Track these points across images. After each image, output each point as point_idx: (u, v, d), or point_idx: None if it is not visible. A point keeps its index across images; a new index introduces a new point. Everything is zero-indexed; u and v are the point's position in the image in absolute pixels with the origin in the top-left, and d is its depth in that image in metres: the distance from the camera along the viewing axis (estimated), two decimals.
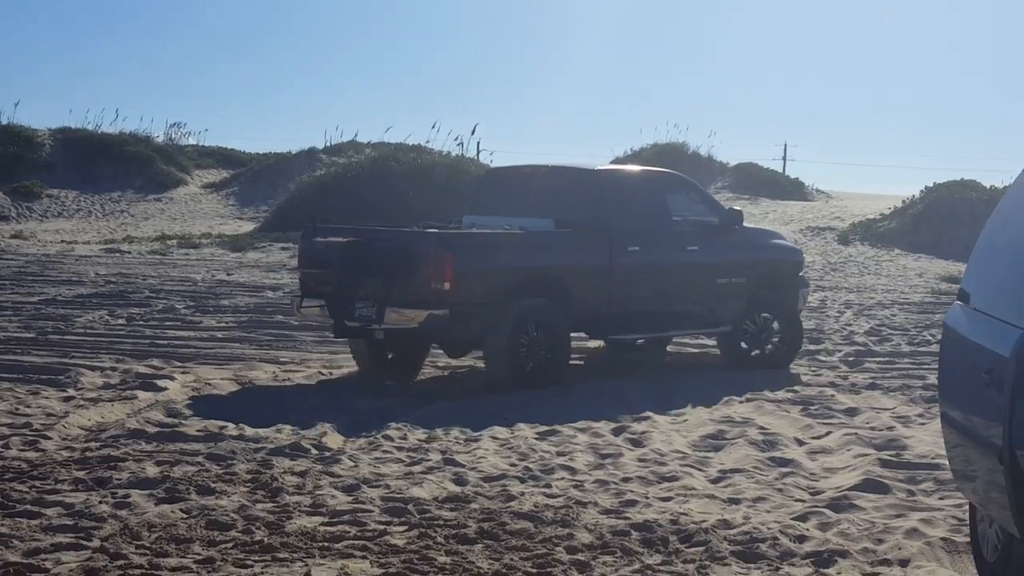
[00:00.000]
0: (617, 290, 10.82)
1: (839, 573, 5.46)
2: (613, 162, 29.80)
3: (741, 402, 9.83)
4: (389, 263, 10.02)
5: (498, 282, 10.22)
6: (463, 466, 7.47)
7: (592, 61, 55.39)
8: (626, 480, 7.22)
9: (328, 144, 31.75)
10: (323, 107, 55.81)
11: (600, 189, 11.29)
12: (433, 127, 39.54)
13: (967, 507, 5.70)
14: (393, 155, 27.14)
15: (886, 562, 5.62)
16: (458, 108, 60.95)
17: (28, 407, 8.81)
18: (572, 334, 10.91)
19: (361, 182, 25.50)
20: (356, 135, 31.37)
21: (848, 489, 6.95)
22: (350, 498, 6.62)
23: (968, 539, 5.63)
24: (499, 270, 10.35)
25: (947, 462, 5.72)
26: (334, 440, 8.09)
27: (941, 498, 6.73)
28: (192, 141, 34.64)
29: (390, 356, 11.00)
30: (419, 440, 8.18)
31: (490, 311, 10.00)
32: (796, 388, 10.52)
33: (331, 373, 11.07)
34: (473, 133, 33.82)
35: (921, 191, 28.47)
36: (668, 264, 11.24)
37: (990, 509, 4.94)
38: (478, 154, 31.27)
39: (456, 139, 30.43)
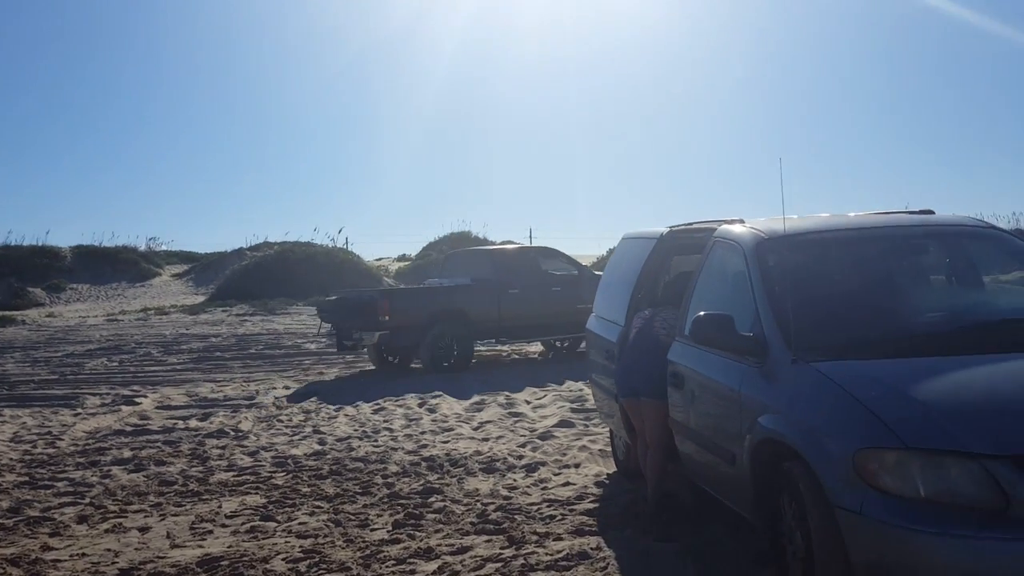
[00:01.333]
0: (504, 315, 11.66)
1: (539, 472, 6.00)
2: (426, 246, 30.58)
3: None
4: (359, 308, 11.66)
5: (421, 314, 11.51)
6: (324, 433, 7.74)
7: (401, 174, 54.72)
8: (422, 433, 7.57)
9: (249, 244, 31.29)
10: (247, 215, 54.71)
11: (493, 259, 12.68)
12: (315, 230, 40.18)
13: (608, 431, 6.34)
14: (291, 250, 27.44)
15: (567, 465, 6.17)
16: (332, 212, 60.27)
17: (50, 421, 8.66)
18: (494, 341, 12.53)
19: (272, 268, 25.82)
20: (267, 237, 31.02)
21: (551, 427, 7.45)
22: (252, 459, 6.81)
23: (610, 448, 6.22)
24: (421, 308, 11.66)
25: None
26: (246, 424, 8.29)
27: (600, 426, 7.08)
28: (164, 247, 34.35)
29: (391, 359, 12.28)
30: (300, 420, 8.42)
31: (417, 331, 11.38)
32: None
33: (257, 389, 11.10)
34: (340, 232, 33.48)
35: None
36: (537, 299, 12.05)
37: (617, 429, 5.66)
38: (347, 245, 31.04)
39: (329, 236, 30.20)
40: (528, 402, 8.82)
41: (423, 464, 6.42)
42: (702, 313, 3.99)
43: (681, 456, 4.62)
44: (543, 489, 5.58)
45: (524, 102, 58.03)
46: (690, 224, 5.25)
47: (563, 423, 7.60)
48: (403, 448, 7.00)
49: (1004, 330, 3.64)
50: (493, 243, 34.41)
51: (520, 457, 6.50)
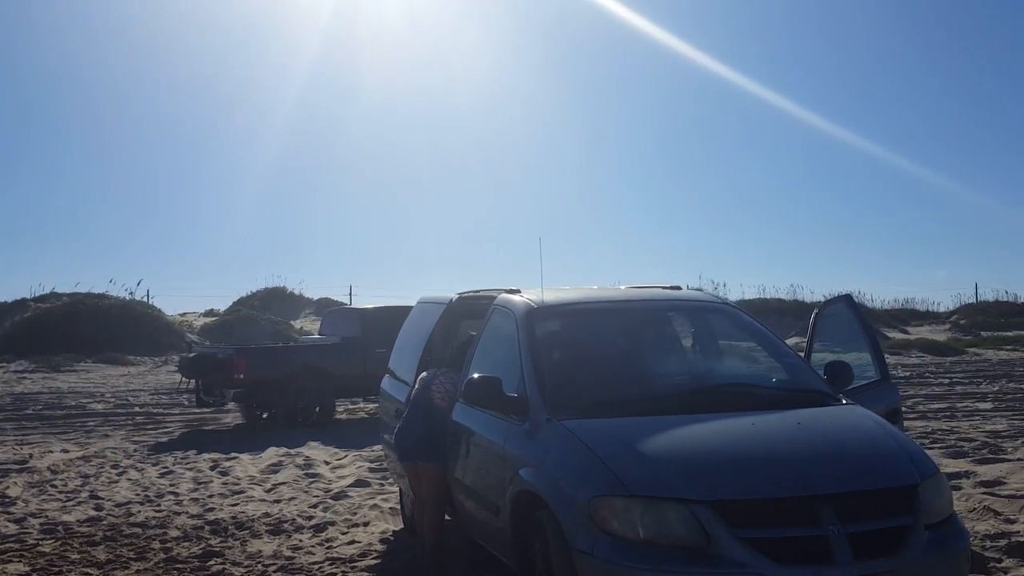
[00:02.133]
0: (369, 372, 11.33)
1: (327, 531, 6.09)
2: (237, 301, 29.66)
3: (303, 442, 10.24)
4: (217, 366, 11.67)
5: (278, 372, 11.59)
6: (102, 498, 7.39)
7: (215, 226, 52.57)
8: (210, 496, 7.40)
9: (34, 295, 28.72)
10: (32, 263, 49.84)
11: (362, 318, 12.68)
12: (111, 281, 37.71)
13: (399, 489, 6.38)
14: (81, 302, 25.56)
15: (356, 524, 6.29)
16: (132, 263, 56.34)
17: None
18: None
19: (58, 322, 24.01)
20: (55, 287, 28.53)
21: (347, 487, 7.55)
22: (17, 527, 6.42)
23: (399, 506, 6.37)
24: (278, 366, 11.79)
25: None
26: (14, 490, 7.74)
27: (393, 485, 6.99)
28: None
29: (260, 413, 12.17)
30: (76, 485, 7.99)
31: (276, 389, 11.45)
32: None
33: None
34: (139, 284, 31.51)
35: None
36: None
37: (404, 487, 5.86)
38: (148, 298, 29.31)
39: (127, 288, 28.35)
40: (327, 463, 8.87)
41: (206, 528, 6.34)
42: (474, 375, 4.37)
43: (459, 512, 4.93)
44: (328, 548, 5.70)
45: (352, 159, 57.74)
46: (477, 291, 5.68)
47: (359, 483, 7.73)
48: (187, 512, 6.86)
49: (724, 393, 4.28)
50: (309, 299, 34.19)
51: (310, 518, 6.56)
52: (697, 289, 5.51)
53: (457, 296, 5.78)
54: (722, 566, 3.31)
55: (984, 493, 6.98)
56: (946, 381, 17.06)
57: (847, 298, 5.70)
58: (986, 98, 59.44)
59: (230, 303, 31.06)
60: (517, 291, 5.11)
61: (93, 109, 55.81)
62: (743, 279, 61.54)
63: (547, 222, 59.62)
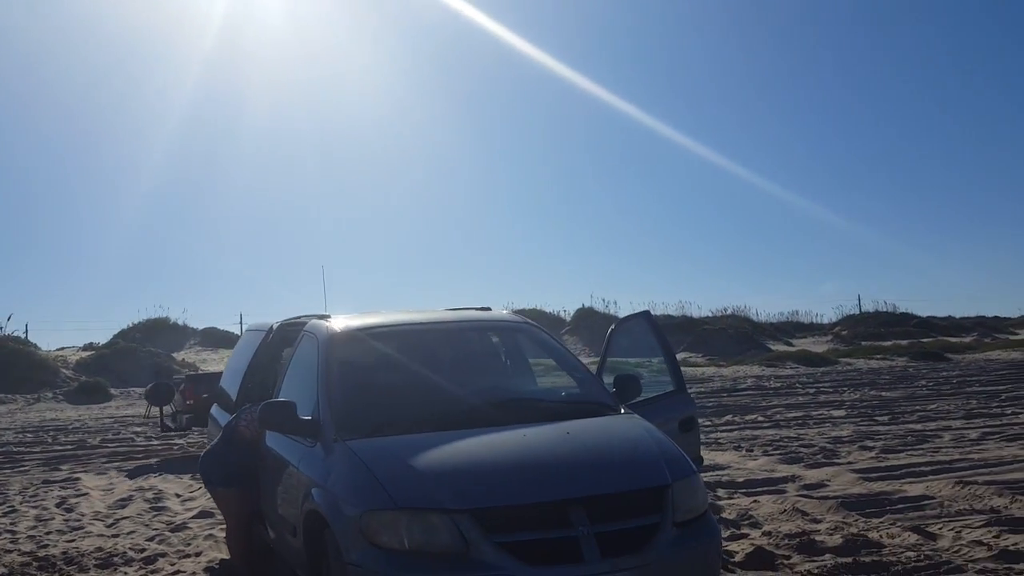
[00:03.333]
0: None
1: (156, 563, 6.15)
2: (117, 334, 28.73)
3: (157, 476, 10.22)
4: (169, 393, 12.66)
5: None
6: None
7: (96, 256, 50.53)
8: (48, 533, 7.27)
9: None
10: None
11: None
12: None
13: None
14: None
15: (187, 555, 6.30)
16: (4, 300, 53.07)
17: None
18: None
19: None
20: None
21: (190, 518, 7.55)
22: None
23: None
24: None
25: None
26: None
27: None
28: None
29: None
30: None
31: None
32: None
33: None
34: (9, 319, 29.43)
35: None
36: None
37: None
38: (25, 334, 27.88)
39: None
40: (179, 495, 8.82)
41: (34, 564, 6.27)
42: (269, 401, 4.57)
43: (273, 536, 5.08)
44: None
45: (236, 182, 56.58)
46: (297, 318, 5.88)
47: (204, 513, 7.74)
48: (19, 549, 6.75)
49: (505, 408, 4.59)
50: (194, 330, 33.43)
51: (142, 550, 6.57)
52: (515, 311, 5.82)
53: (278, 324, 5.95)
54: (478, 570, 3.60)
55: (800, 495, 7.54)
56: (812, 391, 18.03)
57: (645, 314, 6.13)
58: (852, 124, 63.13)
59: (111, 335, 30.09)
60: (327, 316, 5.33)
61: None
62: (633, 297, 63.14)
63: (441, 244, 59.99)
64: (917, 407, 14.23)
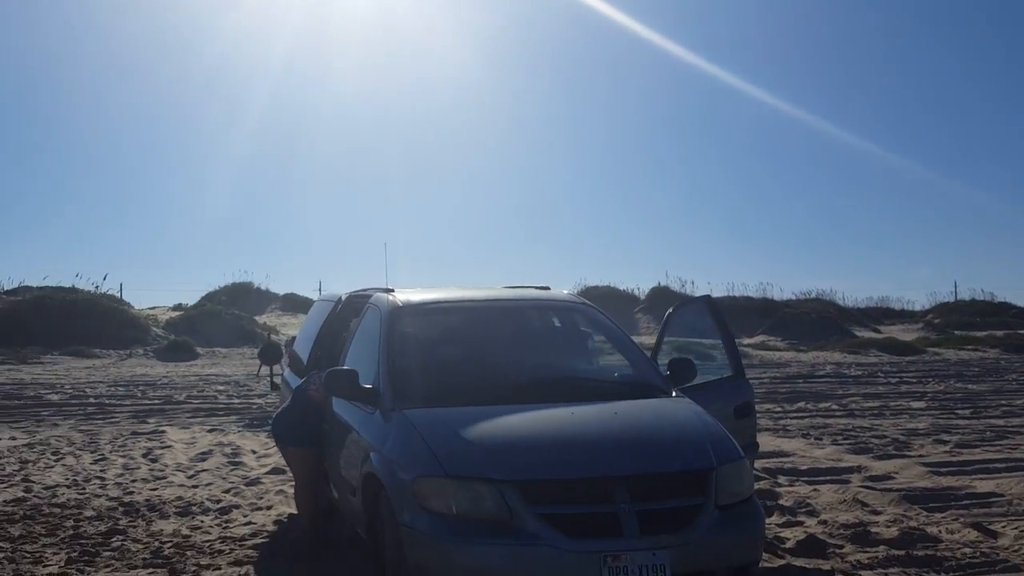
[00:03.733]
0: None
1: (230, 514, 6.58)
2: (204, 296, 29.82)
3: (236, 432, 10.81)
4: (281, 352, 10.74)
5: None
6: (33, 482, 7.75)
7: (185, 220, 52.75)
8: (134, 481, 7.83)
9: (2, 288, 28.75)
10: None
11: None
12: (77, 275, 37.31)
13: None
14: (50, 296, 25.69)
15: (259, 508, 6.72)
16: (103, 257, 55.84)
17: None
18: None
19: (27, 315, 24.12)
20: (23, 280, 28.60)
21: (263, 474, 7.98)
22: None
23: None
24: None
25: None
26: None
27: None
28: None
29: None
30: (13, 469, 8.27)
31: None
32: None
33: None
34: (105, 279, 31.01)
35: None
36: None
37: None
38: (119, 292, 29.42)
39: (93, 282, 28.29)
40: (255, 452, 9.31)
41: (120, 509, 6.77)
42: (333, 368, 4.85)
43: (336, 496, 5.40)
44: (224, 528, 6.17)
45: (321, 153, 58.01)
46: (364, 290, 6.15)
47: (276, 470, 8.17)
48: (107, 495, 7.29)
49: (557, 385, 4.75)
50: (275, 295, 34.68)
51: (218, 501, 7.02)
52: (573, 293, 5.96)
53: (346, 295, 6.24)
54: (521, 538, 3.80)
55: (863, 486, 7.49)
56: (894, 381, 17.58)
57: (706, 298, 6.17)
58: (976, 96, 60.02)
59: (199, 297, 31.46)
60: (391, 290, 5.58)
61: (63, 102, 56.08)
62: (712, 277, 61.99)
63: (526, 218, 60.12)
64: (1003, 401, 13.77)
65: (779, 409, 13.40)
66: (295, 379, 6.32)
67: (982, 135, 60.52)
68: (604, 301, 33.88)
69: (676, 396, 4.88)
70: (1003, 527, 6.00)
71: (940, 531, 5.90)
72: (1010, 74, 59.01)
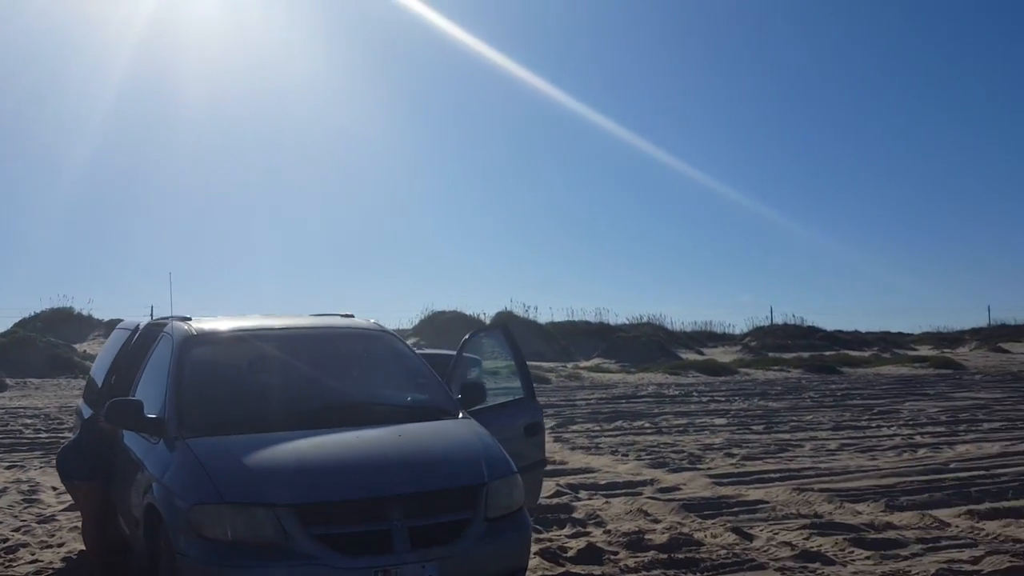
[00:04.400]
0: None
1: (16, 552, 6.31)
2: (17, 323, 27.91)
3: (38, 469, 10.24)
4: None
5: None
6: None
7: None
8: None
9: None
10: None
11: None
12: None
13: None
14: None
15: (49, 546, 6.48)
16: None
17: None
18: None
19: None
20: None
21: (60, 511, 7.68)
22: None
23: None
24: None
25: None
26: None
27: None
28: None
29: None
30: None
31: None
32: None
33: None
34: None
35: None
36: None
37: None
38: None
39: None
40: (55, 488, 8.90)
41: None
42: (115, 399, 4.85)
43: (126, 531, 5.34)
44: (6, 568, 5.93)
45: (163, 171, 55.25)
46: (163, 318, 6.13)
47: (75, 507, 7.86)
48: None
49: (345, 411, 4.96)
50: (99, 321, 32.78)
51: (5, 540, 6.72)
52: (372, 321, 6.18)
53: (145, 323, 6.20)
54: (295, 559, 3.97)
55: (651, 498, 8.11)
56: (705, 399, 18.87)
57: (503, 327, 6.59)
58: (801, 132, 65.29)
59: (11, 324, 29.30)
60: (188, 319, 5.62)
61: None
62: (554, 302, 63.98)
63: (358, 245, 59.76)
64: (794, 418, 15.11)
65: (597, 428, 14.13)
66: (88, 410, 6.20)
67: (797, 169, 65.85)
68: (451, 325, 34.29)
69: (462, 418, 5.20)
70: (760, 531, 6.71)
71: (705, 536, 6.52)
72: (829, 104, 64.61)
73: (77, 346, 27.69)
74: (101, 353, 6.78)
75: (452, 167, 63.19)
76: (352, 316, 6.19)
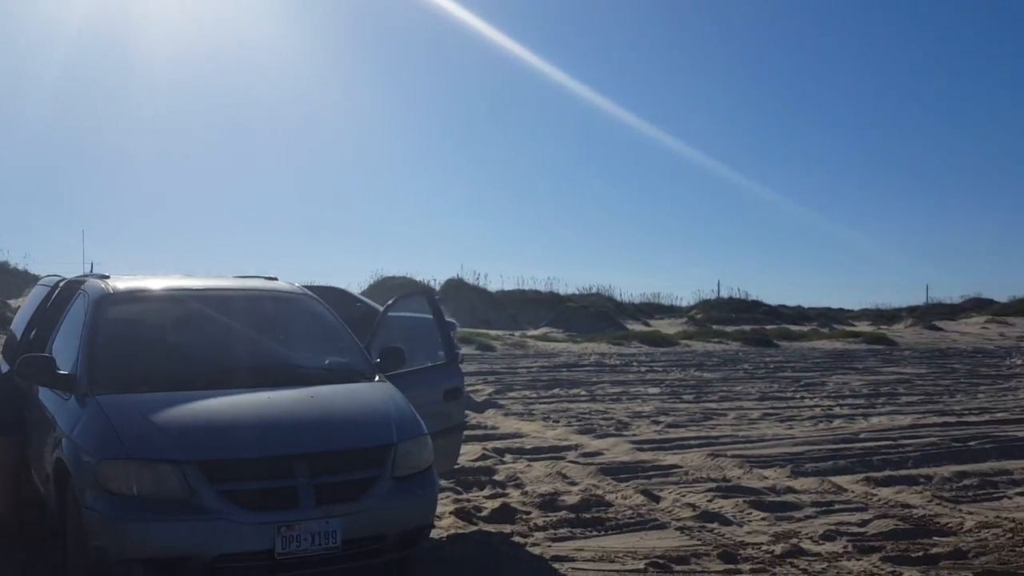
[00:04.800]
0: None
1: None
2: None
3: None
4: None
5: None
6: None
7: None
8: None
9: None
10: None
11: None
12: None
13: None
14: None
15: None
16: None
17: None
18: None
19: None
20: None
21: None
22: None
23: None
24: None
25: None
26: None
27: None
28: None
29: None
30: None
31: None
32: None
33: None
34: None
35: None
36: None
37: None
38: None
39: None
40: None
41: None
42: (27, 355, 4.89)
43: (40, 488, 5.39)
44: None
45: (112, 125, 53.82)
46: (83, 275, 6.15)
47: None
48: None
49: (259, 372, 5.06)
50: (36, 276, 32.06)
51: None
52: (294, 284, 6.27)
53: (65, 280, 6.21)
54: (199, 514, 4.09)
55: (572, 462, 8.38)
56: (644, 369, 19.30)
57: (427, 291, 6.73)
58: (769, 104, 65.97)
59: None
60: (106, 276, 5.65)
61: None
62: (505, 270, 64.24)
63: (315, 204, 59.10)
64: (725, 388, 15.57)
65: (534, 395, 14.42)
66: (7, 366, 6.19)
67: (752, 141, 66.69)
68: (400, 291, 34.24)
69: (378, 381, 5.34)
70: (668, 493, 7.02)
71: (616, 497, 6.81)
72: (783, 81, 65.36)
73: (11, 301, 27.11)
74: (22, 308, 6.76)
75: (405, 131, 62.73)
76: (276, 279, 6.27)
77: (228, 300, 5.72)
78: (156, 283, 5.68)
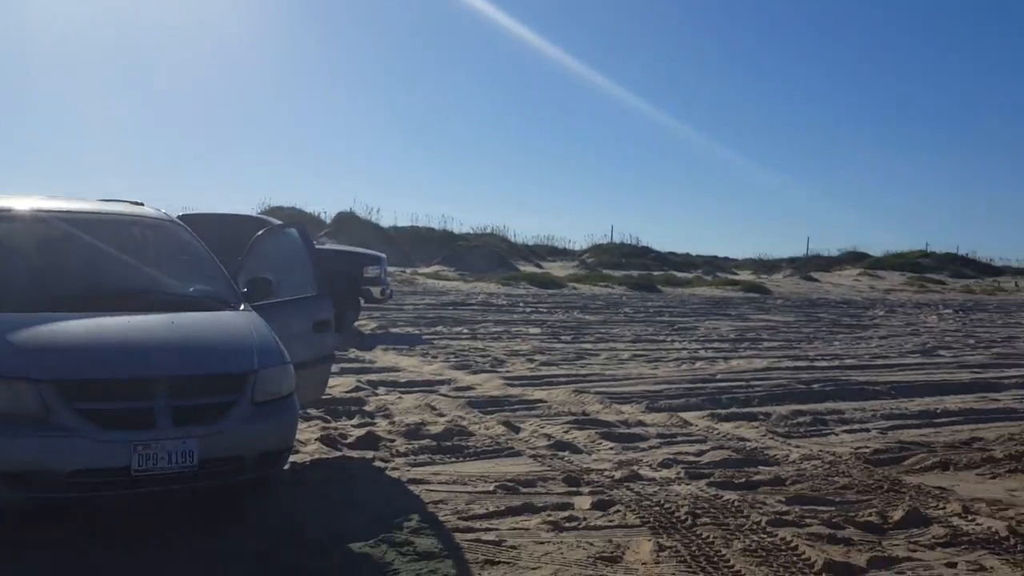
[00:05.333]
0: None
1: None
2: None
3: None
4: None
5: None
6: None
7: None
8: None
9: None
10: None
11: None
12: None
13: None
14: None
15: None
16: None
17: None
18: None
19: None
20: None
21: None
22: None
23: None
24: None
25: None
26: None
27: None
28: None
29: None
30: None
31: None
32: None
33: None
34: None
35: None
36: None
37: None
38: None
39: None
40: None
41: None
42: None
43: None
44: None
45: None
46: None
47: None
48: None
49: (122, 297, 5.16)
50: None
51: None
52: (159, 209, 6.29)
53: None
54: (56, 431, 4.23)
55: (443, 395, 8.77)
56: (529, 311, 19.87)
57: (299, 225, 6.88)
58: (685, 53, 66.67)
59: None
60: None
61: None
62: (398, 206, 64.01)
63: (213, 130, 56.94)
64: (602, 331, 16.29)
65: (417, 331, 14.73)
66: None
67: (666, 74, 67.58)
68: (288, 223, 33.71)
69: (244, 310, 5.51)
70: (528, 425, 7.50)
71: (479, 428, 7.24)
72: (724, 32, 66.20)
73: None
74: None
75: (293, 57, 60.71)
76: (142, 204, 6.29)
77: (93, 223, 5.73)
78: (19, 203, 5.63)
